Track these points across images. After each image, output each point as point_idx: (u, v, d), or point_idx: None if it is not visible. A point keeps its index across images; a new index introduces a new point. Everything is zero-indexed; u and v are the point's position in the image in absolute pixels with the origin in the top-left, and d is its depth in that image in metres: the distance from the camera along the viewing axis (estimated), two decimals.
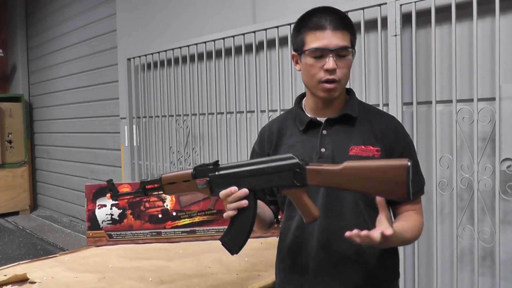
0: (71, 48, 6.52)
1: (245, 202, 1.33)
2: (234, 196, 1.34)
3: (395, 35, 2.49)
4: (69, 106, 6.69)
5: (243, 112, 3.47)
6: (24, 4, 7.65)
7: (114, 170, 5.77)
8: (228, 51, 3.55)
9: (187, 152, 4.00)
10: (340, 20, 1.38)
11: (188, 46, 3.83)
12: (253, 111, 3.39)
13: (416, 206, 1.46)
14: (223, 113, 3.64)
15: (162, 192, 1.52)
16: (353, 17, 2.72)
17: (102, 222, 2.50)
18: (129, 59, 4.53)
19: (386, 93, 2.59)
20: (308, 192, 1.33)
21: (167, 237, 2.49)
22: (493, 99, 2.25)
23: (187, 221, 2.51)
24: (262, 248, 2.33)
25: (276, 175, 1.32)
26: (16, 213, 7.34)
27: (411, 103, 2.50)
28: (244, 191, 1.34)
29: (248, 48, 3.39)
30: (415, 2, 2.41)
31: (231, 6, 3.67)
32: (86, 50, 6.16)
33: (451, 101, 2.37)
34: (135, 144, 4.60)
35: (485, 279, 2.36)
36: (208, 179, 1.41)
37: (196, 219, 2.52)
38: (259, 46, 3.35)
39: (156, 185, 1.52)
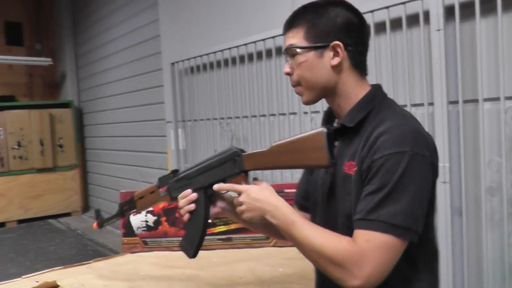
0: (117, 54, 6.63)
1: (192, 206, 1.42)
2: (183, 200, 1.42)
3: (438, 30, 2.34)
4: (117, 110, 6.81)
5: (285, 114, 3.38)
6: (72, 13, 7.86)
7: (162, 173, 5.78)
8: (268, 52, 3.48)
9: None
10: (289, 19, 1.35)
11: (229, 48, 3.79)
12: (296, 113, 3.30)
13: (366, 234, 1.10)
14: (265, 115, 3.58)
15: (135, 210, 1.66)
16: (394, 12, 2.59)
17: (137, 229, 2.48)
18: (172, 64, 4.55)
19: (430, 92, 2.44)
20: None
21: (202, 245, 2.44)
22: None
23: (223, 228, 2.45)
24: (298, 258, 2.21)
25: (220, 168, 1.38)
26: (68, 214, 7.53)
27: (457, 102, 2.34)
28: (193, 195, 1.42)
29: None
30: None
31: (271, 7, 3.60)
32: (132, 55, 6.24)
33: (499, 99, 2.20)
34: (181, 147, 4.61)
35: None
36: (168, 186, 1.53)
37: (232, 226, 2.45)
38: None
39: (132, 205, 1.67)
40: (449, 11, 2.33)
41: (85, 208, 8.03)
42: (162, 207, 2.46)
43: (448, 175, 2.31)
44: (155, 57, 5.63)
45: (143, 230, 2.48)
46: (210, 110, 4.11)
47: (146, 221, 2.49)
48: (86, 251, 5.73)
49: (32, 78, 7.81)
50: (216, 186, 1.37)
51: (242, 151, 1.36)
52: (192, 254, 1.47)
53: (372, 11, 2.61)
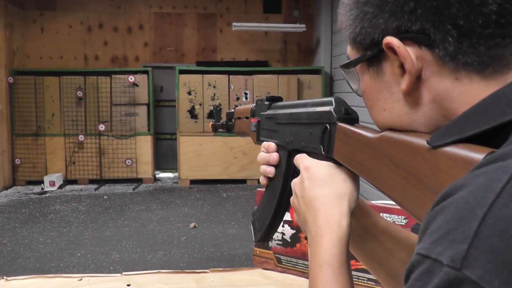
0: None
1: (270, 171, 0.91)
2: (262, 156, 0.93)
3: None
4: None
5: None
6: None
7: None
8: None
9: None
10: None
11: None
12: None
13: None
14: None
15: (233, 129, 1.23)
16: None
17: (272, 241, 2.12)
18: None
19: None
20: None
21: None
22: None
23: None
24: None
25: (308, 128, 0.80)
26: None
27: None
28: (274, 156, 0.90)
29: None
30: None
31: None
32: None
33: None
34: None
35: None
36: (258, 119, 1.02)
37: None
38: None
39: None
40: None
41: None
42: None
43: None
44: None
45: (278, 244, 2.13)
46: None
47: (283, 233, 2.14)
48: None
49: (287, 44, 8.09)
50: (294, 159, 0.84)
51: (346, 112, 0.73)
52: (258, 239, 1.00)
53: None
